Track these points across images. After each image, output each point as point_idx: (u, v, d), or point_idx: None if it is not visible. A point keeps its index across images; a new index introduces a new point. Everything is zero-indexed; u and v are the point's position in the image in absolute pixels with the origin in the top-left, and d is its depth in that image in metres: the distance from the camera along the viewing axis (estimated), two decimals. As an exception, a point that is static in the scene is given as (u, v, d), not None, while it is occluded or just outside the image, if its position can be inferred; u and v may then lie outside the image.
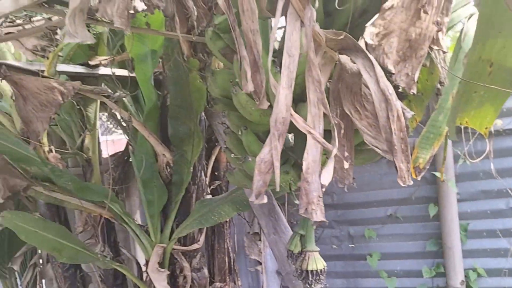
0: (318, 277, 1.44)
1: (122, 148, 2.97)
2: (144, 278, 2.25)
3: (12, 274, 3.41)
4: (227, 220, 2.67)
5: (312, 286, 1.46)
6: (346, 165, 0.97)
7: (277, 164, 0.78)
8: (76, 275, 2.51)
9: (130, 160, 2.67)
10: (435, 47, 1.06)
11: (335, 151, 0.80)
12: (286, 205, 2.17)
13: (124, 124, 2.57)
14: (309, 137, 0.84)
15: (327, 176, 0.81)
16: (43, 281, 3.20)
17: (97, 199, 2.04)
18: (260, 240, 2.83)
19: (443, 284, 2.37)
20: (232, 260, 2.74)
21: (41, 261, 3.20)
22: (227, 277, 2.69)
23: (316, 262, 1.43)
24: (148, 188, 2.09)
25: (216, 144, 2.56)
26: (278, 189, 0.81)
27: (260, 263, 2.87)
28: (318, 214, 0.87)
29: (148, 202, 2.11)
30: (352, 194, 2.58)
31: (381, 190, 2.48)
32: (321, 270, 1.44)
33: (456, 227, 2.26)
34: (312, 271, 1.43)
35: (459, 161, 2.22)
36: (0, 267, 3.36)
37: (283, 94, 0.78)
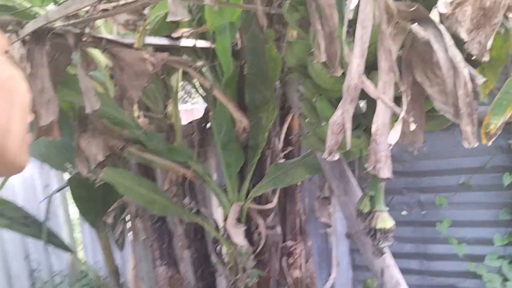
0: (386, 235, 1.52)
1: (195, 117, 3.18)
2: (222, 234, 2.46)
3: (105, 227, 3.82)
4: (298, 184, 2.79)
5: (380, 243, 1.54)
6: (413, 126, 1.03)
7: (348, 125, 0.87)
8: (162, 228, 2.79)
9: (207, 127, 2.85)
10: (510, 15, 1.07)
11: (402, 113, 0.88)
12: (356, 170, 2.24)
13: (203, 93, 2.74)
14: (379, 101, 0.91)
15: (394, 136, 0.89)
16: (131, 233, 3.55)
17: (182, 159, 2.24)
18: (330, 204, 2.93)
19: (516, 253, 2.35)
20: (302, 222, 2.88)
21: (128, 217, 3.55)
22: (298, 237, 2.83)
23: (384, 221, 1.51)
24: (227, 150, 2.25)
25: (289, 111, 2.66)
26: (348, 147, 0.90)
27: (330, 226, 2.98)
28: (385, 172, 0.95)
29: (227, 163, 2.28)
30: (423, 162, 2.59)
31: (453, 159, 2.46)
32: (389, 228, 1.52)
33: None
34: (380, 229, 1.51)
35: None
36: (96, 219, 3.78)
37: (356, 63, 0.86)
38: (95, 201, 3.63)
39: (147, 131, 2.15)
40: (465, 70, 0.84)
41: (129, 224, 3.68)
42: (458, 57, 0.84)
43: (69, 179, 3.20)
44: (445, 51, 0.84)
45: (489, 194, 2.39)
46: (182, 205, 2.47)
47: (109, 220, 3.44)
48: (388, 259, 1.67)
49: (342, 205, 1.79)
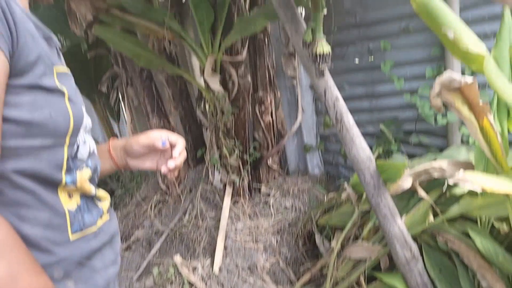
0: (325, 58, 1.89)
1: None
2: (202, 83, 2.81)
3: (101, 96, 4.16)
4: (266, 42, 3.09)
5: (321, 65, 1.91)
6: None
7: None
8: (151, 85, 3.13)
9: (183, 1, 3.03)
10: None
11: None
12: (303, 12, 2.51)
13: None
14: None
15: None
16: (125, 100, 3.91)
17: (160, 18, 2.49)
18: (294, 59, 3.26)
19: (443, 83, 2.75)
20: (272, 76, 3.24)
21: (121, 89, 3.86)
22: (268, 88, 3.22)
23: (323, 46, 1.86)
24: (198, 9, 2.50)
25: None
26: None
27: (295, 78, 3.34)
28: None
29: (200, 22, 2.55)
30: (372, 13, 2.86)
31: (396, 7, 2.74)
32: (327, 53, 1.87)
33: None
34: (320, 54, 1.87)
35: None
36: (90, 91, 4.11)
37: None
38: (87, 73, 3.93)
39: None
40: None
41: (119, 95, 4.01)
42: None
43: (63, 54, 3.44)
44: None
45: (424, 35, 2.71)
46: (165, 58, 2.77)
47: (103, 88, 3.78)
48: (329, 81, 2.03)
49: (294, 42, 2.12)
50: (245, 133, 3.10)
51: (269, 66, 3.17)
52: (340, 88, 2.16)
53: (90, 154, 0.86)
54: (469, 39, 0.93)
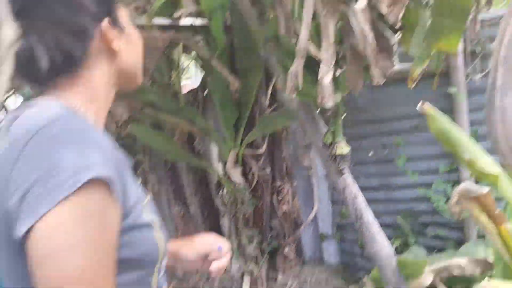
0: (344, 159, 2.01)
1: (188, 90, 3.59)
2: (223, 175, 2.94)
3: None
4: (283, 135, 3.27)
5: (340, 165, 2.03)
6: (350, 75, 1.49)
7: (300, 73, 1.33)
8: (174, 177, 3.27)
9: (205, 95, 3.27)
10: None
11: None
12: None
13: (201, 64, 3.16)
14: (322, 58, 1.37)
15: (328, 79, 1.34)
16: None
17: (187, 115, 2.68)
18: (310, 150, 3.41)
19: (456, 178, 2.84)
20: (289, 166, 3.36)
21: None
22: (285, 178, 3.33)
23: (342, 148, 1.99)
24: (223, 107, 2.70)
25: (274, 75, 3.10)
26: (300, 87, 1.35)
27: (311, 169, 3.46)
28: (329, 103, 1.41)
29: (224, 118, 2.74)
30: (384, 111, 3.05)
31: (407, 106, 2.91)
32: (346, 154, 2.00)
33: (467, 132, 2.68)
34: (339, 154, 1.99)
35: (467, 78, 2.62)
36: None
37: (304, 33, 1.31)
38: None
39: (160, 94, 2.59)
40: (370, 34, 1.29)
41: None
42: (366, 26, 1.29)
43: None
44: (358, 24, 1.29)
45: (435, 132, 2.86)
46: (190, 151, 2.93)
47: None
48: (348, 179, 2.13)
49: (314, 141, 2.26)
50: (263, 222, 3.16)
51: (287, 157, 3.31)
52: (355, 178, 2.26)
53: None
54: (483, 161, 1.04)
